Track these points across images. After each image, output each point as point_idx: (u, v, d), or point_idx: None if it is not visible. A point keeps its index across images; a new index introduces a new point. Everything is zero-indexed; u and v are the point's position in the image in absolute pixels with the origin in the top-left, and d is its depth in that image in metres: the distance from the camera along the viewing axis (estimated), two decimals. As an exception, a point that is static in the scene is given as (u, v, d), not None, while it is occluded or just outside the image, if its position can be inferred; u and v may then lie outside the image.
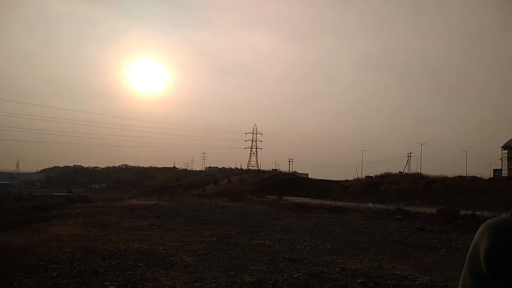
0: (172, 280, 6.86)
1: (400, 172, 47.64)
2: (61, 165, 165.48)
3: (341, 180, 57.90)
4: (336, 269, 7.74)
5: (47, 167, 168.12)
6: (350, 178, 54.78)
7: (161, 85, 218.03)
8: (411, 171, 50.01)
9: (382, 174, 47.03)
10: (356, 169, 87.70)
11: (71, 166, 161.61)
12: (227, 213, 23.83)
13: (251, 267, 8.03)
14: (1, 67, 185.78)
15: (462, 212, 18.21)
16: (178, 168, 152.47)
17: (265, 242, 11.89)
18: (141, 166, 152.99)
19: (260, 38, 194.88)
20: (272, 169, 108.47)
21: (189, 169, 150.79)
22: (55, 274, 7.19)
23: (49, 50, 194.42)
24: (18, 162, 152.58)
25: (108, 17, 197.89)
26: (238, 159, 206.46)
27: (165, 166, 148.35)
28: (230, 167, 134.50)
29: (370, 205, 25.23)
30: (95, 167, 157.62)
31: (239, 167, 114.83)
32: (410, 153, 56.04)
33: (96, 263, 8.08)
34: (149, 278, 6.91)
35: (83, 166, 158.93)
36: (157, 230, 14.76)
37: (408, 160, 54.11)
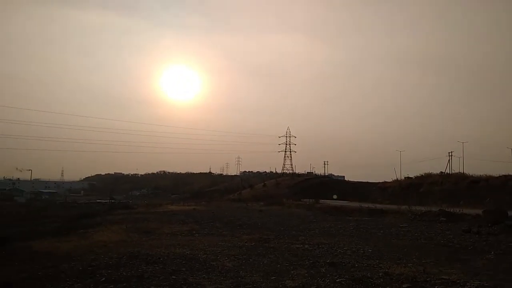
0: (215, 284, 6.96)
1: (441, 172, 45.82)
2: (103, 173, 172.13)
3: (379, 182, 56.59)
4: (380, 274, 7.56)
5: (90, 175, 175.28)
6: (389, 180, 53.45)
7: (195, 91, 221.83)
8: (453, 171, 47.96)
9: (422, 175, 45.55)
10: (394, 170, 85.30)
11: (112, 174, 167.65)
12: (264, 217, 23.90)
13: (292, 272, 8.00)
14: (41, 79, 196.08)
15: (510, 213, 17.28)
16: (213, 173, 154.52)
17: (304, 246, 11.81)
18: (178, 172, 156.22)
19: (290, 40, 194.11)
20: (307, 172, 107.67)
21: (224, 174, 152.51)
22: (103, 279, 7.45)
23: (86, 61, 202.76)
24: (63, 171, 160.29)
25: (141, 27, 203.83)
26: (272, 163, 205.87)
27: (201, 172, 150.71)
28: (265, 171, 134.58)
29: (412, 207, 24.45)
30: (135, 174, 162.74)
31: (274, 171, 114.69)
32: (451, 152, 53.78)
33: (141, 268, 8.32)
34: (192, 283, 7.04)
35: (124, 174, 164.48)
36: (197, 235, 15.04)
37: (449, 160, 51.92)
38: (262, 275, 7.67)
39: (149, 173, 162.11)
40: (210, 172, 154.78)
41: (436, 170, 46.74)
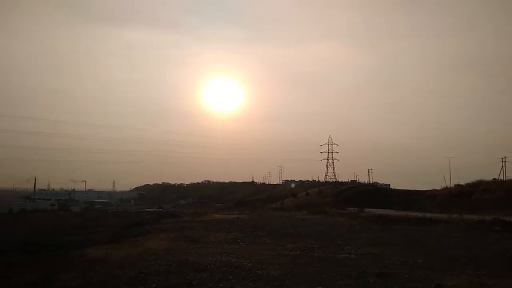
0: (261, 293, 7.03)
1: (495, 179, 43.19)
2: (151, 183, 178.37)
3: (427, 190, 54.25)
4: (432, 286, 7.29)
5: (139, 186, 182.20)
6: (437, 187, 51.14)
7: (237, 102, 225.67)
8: (507, 178, 45.03)
9: (473, 182, 43.17)
10: (443, 177, 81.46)
11: (160, 184, 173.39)
12: (307, 226, 23.65)
13: (338, 282, 7.89)
14: (92, 94, 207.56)
15: None
16: (256, 182, 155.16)
17: (350, 256, 11.59)
18: (221, 181, 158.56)
19: (332, 47, 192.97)
20: (351, 180, 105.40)
21: (267, 183, 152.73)
22: (154, 285, 7.75)
23: (133, 76, 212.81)
24: (114, 182, 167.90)
25: (184, 42, 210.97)
26: (314, 171, 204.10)
27: (244, 181, 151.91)
28: (307, 180, 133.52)
29: (463, 216, 23.22)
30: (181, 184, 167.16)
31: (316, 179, 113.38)
32: (505, 157, 50.55)
33: (189, 275, 8.56)
34: (239, 291, 7.16)
35: (170, 183, 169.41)
36: (242, 243, 15.18)
37: (503, 166, 48.85)
38: (309, 285, 7.64)
39: (194, 183, 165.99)
40: (252, 181, 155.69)
41: (488, 177, 44.22)
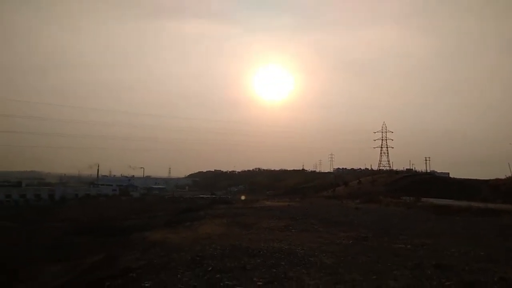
0: (314, 280, 7.07)
1: None
2: (204, 170, 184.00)
3: (489, 179, 50.85)
4: (495, 279, 6.91)
5: (193, 173, 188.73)
6: (501, 177, 47.77)
7: (289, 90, 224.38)
8: None
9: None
10: (509, 165, 75.42)
11: (212, 171, 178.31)
12: (360, 215, 23.21)
13: (394, 272, 7.73)
14: (145, 85, 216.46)
15: None
16: (307, 170, 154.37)
17: (406, 246, 11.25)
18: (272, 169, 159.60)
19: (383, 32, 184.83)
20: (406, 169, 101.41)
21: (317, 171, 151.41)
22: (210, 268, 8.07)
23: (185, 68, 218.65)
24: (170, 169, 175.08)
25: (234, 32, 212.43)
26: (367, 160, 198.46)
27: (295, 169, 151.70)
28: (360, 168, 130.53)
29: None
30: (233, 171, 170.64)
31: (369, 168, 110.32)
32: None
33: (243, 260, 8.81)
34: (292, 277, 7.26)
35: (223, 171, 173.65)
36: (293, 230, 15.27)
37: None
38: (362, 274, 7.56)
39: (245, 170, 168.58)
40: (303, 169, 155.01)
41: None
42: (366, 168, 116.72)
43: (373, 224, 17.86)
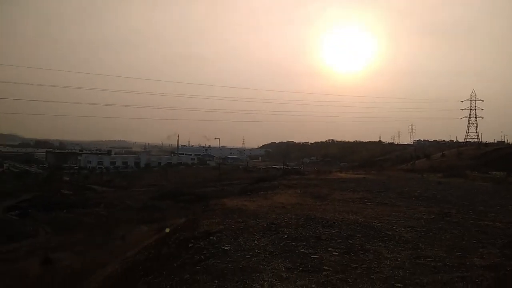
0: (392, 253, 6.89)
1: None
2: (277, 141, 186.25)
3: None
4: None
5: (266, 143, 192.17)
6: None
7: (367, 58, 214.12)
8: None
9: None
10: None
11: (285, 142, 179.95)
12: (443, 190, 21.81)
13: (481, 250, 7.23)
14: (219, 57, 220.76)
15: None
16: (384, 142, 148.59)
17: (495, 224, 10.40)
18: (346, 140, 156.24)
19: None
20: (497, 141, 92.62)
21: (396, 143, 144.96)
22: (285, 236, 8.24)
23: (258, 38, 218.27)
24: (244, 140, 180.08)
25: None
26: (453, 131, 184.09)
27: (370, 140, 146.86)
28: (443, 140, 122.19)
29: None
30: (305, 142, 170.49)
31: (454, 140, 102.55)
32: None
33: (317, 230, 8.84)
34: (369, 249, 7.14)
35: (295, 142, 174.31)
36: (369, 203, 14.89)
37: None
38: (445, 250, 7.18)
39: (318, 142, 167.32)
40: (380, 141, 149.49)
41: None
42: (450, 140, 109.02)
43: (457, 200, 16.72)
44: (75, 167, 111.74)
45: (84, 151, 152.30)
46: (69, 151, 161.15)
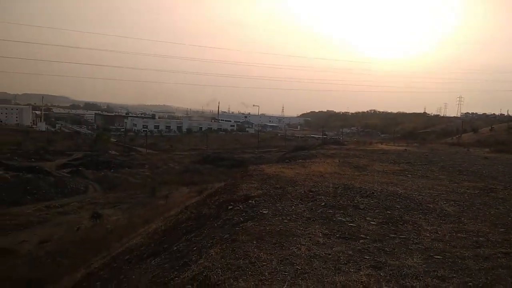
0: (433, 226, 6.81)
1: None
2: (317, 111, 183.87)
3: None
4: None
5: (305, 112, 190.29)
6: None
7: (415, 25, 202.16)
8: None
9: None
10: None
11: (324, 111, 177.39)
12: (490, 165, 20.84)
13: (527, 228, 6.98)
14: (264, 25, 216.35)
15: None
16: (428, 114, 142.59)
17: (545, 202, 9.91)
18: (389, 111, 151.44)
19: None
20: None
21: (441, 115, 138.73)
22: (323, 204, 8.32)
23: (302, 6, 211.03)
24: (283, 108, 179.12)
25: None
26: (504, 104, 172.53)
27: (414, 112, 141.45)
28: (493, 114, 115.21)
29: None
30: (346, 112, 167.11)
31: (505, 113, 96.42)
32: None
33: (356, 199, 8.85)
34: (408, 220, 7.10)
35: (335, 112, 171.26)
36: (410, 175, 14.58)
37: None
38: (488, 225, 7.00)
39: (359, 112, 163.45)
40: (424, 113, 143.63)
41: None
42: (501, 114, 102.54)
43: (504, 176, 15.96)
44: (122, 129, 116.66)
45: (130, 114, 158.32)
46: (116, 113, 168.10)
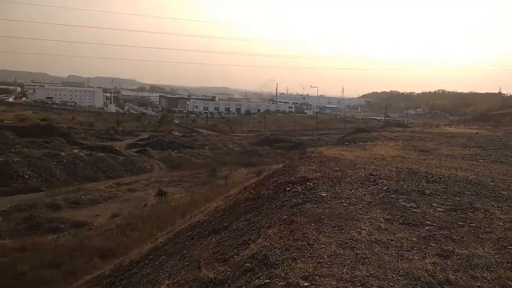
0: (507, 215, 6.30)
1: None
2: (379, 91, 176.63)
3: None
4: None
5: (367, 93, 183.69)
6: None
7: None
8: None
9: None
10: None
11: (387, 92, 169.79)
12: None
13: None
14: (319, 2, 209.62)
15: None
16: (504, 95, 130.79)
17: None
18: (459, 91, 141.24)
19: None
20: None
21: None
22: (385, 188, 8.03)
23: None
24: (343, 88, 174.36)
25: None
26: None
27: (488, 92, 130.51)
28: None
29: None
30: (411, 92, 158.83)
31: None
32: None
33: (421, 184, 8.41)
34: (479, 208, 6.63)
35: (399, 92, 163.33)
36: (481, 160, 13.56)
37: None
38: None
39: (426, 92, 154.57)
40: (499, 93, 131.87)
41: None
42: None
43: None
44: (184, 111, 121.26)
45: (192, 97, 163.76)
46: (179, 96, 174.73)
